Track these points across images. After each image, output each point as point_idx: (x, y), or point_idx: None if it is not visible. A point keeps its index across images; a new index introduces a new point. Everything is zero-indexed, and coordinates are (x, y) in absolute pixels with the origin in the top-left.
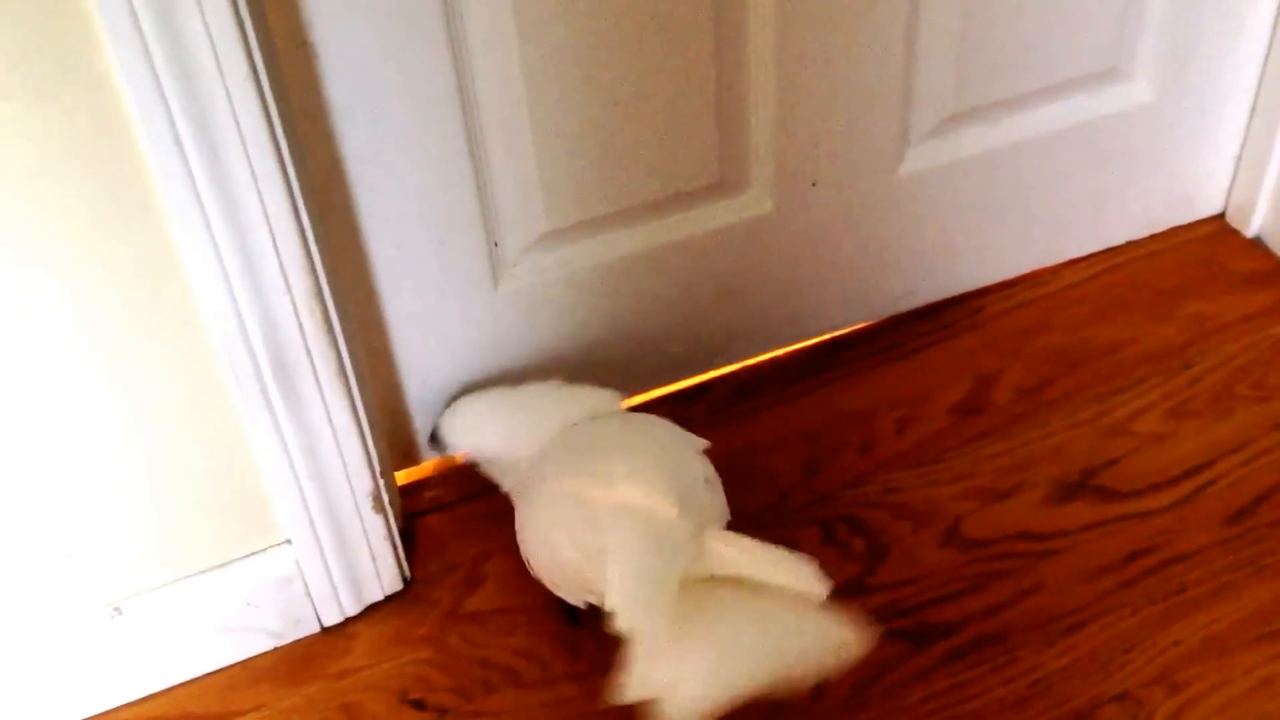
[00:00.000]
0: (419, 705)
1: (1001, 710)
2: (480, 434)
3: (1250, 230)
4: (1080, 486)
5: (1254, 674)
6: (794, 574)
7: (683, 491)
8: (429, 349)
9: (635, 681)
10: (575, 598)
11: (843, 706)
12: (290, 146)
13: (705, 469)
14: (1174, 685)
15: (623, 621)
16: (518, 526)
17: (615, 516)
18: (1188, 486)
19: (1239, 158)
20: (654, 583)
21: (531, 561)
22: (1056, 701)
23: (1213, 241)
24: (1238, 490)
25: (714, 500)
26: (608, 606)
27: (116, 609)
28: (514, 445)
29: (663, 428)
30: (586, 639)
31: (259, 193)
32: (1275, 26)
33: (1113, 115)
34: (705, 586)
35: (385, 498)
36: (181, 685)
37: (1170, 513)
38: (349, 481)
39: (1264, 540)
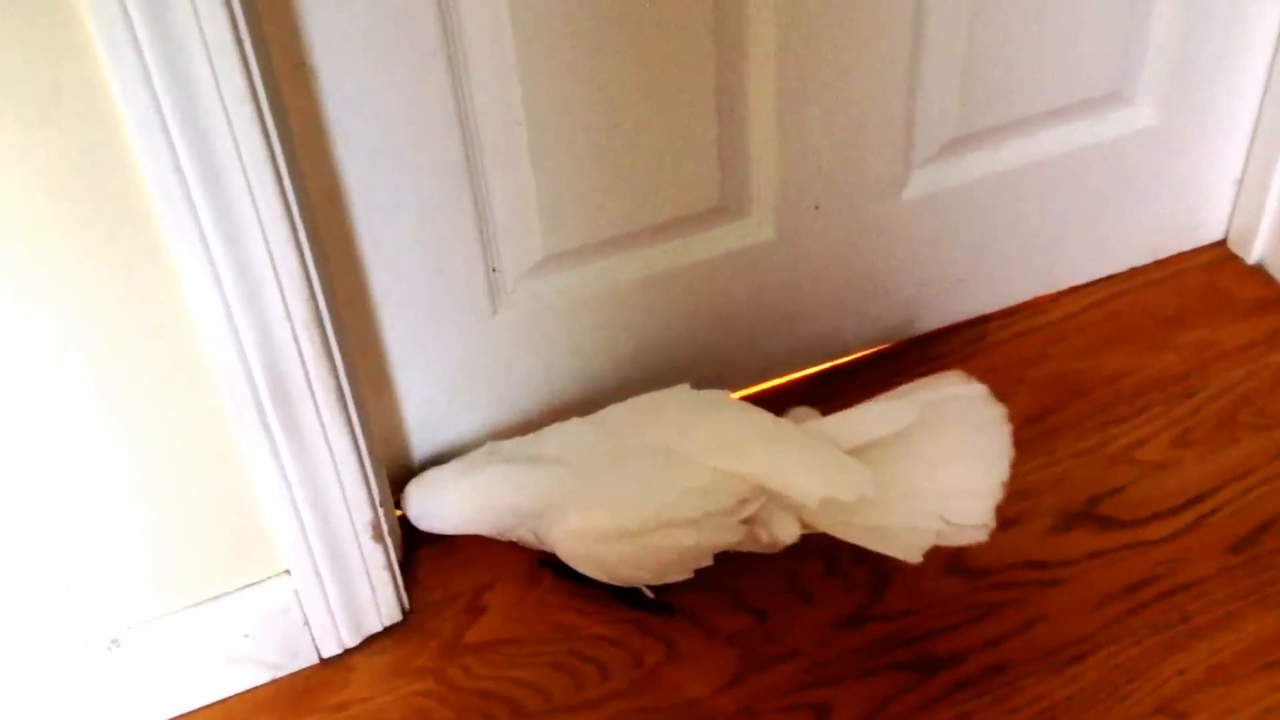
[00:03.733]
0: None
1: None
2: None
3: (1252, 257)
4: (1083, 515)
5: (1258, 704)
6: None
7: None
8: (428, 376)
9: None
10: (632, 578)
11: None
12: (290, 170)
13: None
14: (1178, 715)
15: (844, 493)
16: (561, 534)
17: (759, 437)
18: (1191, 515)
19: (1240, 183)
20: (824, 451)
21: (584, 553)
22: None
23: (1214, 268)
24: (1241, 519)
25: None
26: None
27: (114, 641)
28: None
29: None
30: (589, 669)
31: (259, 218)
32: (1276, 51)
33: (1115, 140)
34: None
35: (384, 527)
36: (180, 718)
37: (1174, 542)
38: (348, 511)
39: (1268, 569)
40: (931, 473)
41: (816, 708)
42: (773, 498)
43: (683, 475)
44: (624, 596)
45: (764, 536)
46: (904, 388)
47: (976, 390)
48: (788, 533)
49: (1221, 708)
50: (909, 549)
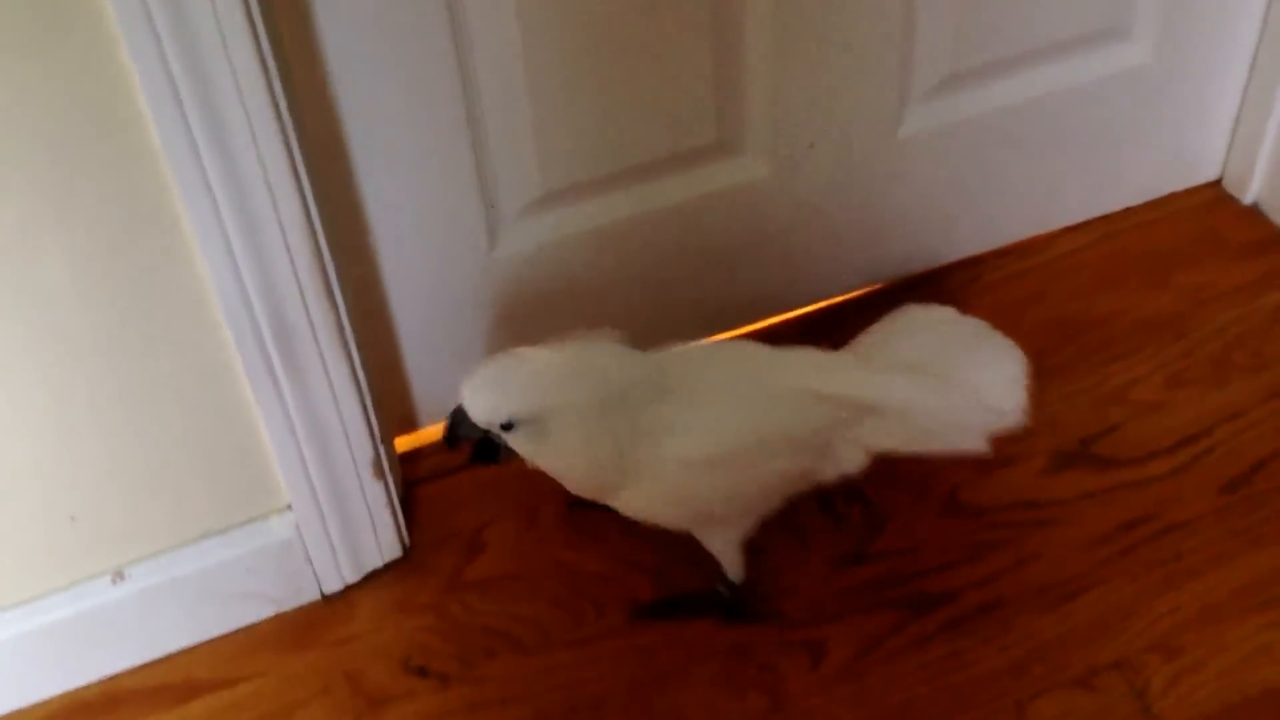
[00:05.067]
0: (421, 672)
1: (999, 678)
2: (540, 392)
3: (1247, 197)
4: (1077, 455)
5: (1250, 641)
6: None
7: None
8: (426, 313)
9: None
10: (702, 516)
11: (841, 674)
12: (289, 103)
13: None
14: (1171, 652)
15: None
16: (665, 457)
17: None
18: (1184, 455)
19: (1236, 123)
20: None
21: (673, 484)
22: (1054, 669)
23: (1209, 209)
24: (1234, 458)
25: None
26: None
27: (118, 574)
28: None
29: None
30: (587, 605)
31: (259, 154)
32: None
33: (1111, 77)
34: None
35: (385, 464)
36: (184, 651)
37: (1167, 481)
38: (349, 446)
39: (1260, 509)
40: (965, 373)
41: (812, 646)
42: (853, 421)
43: (778, 398)
44: (719, 606)
45: (830, 468)
46: (875, 326)
47: (948, 311)
48: (855, 461)
49: (1213, 645)
50: (974, 440)
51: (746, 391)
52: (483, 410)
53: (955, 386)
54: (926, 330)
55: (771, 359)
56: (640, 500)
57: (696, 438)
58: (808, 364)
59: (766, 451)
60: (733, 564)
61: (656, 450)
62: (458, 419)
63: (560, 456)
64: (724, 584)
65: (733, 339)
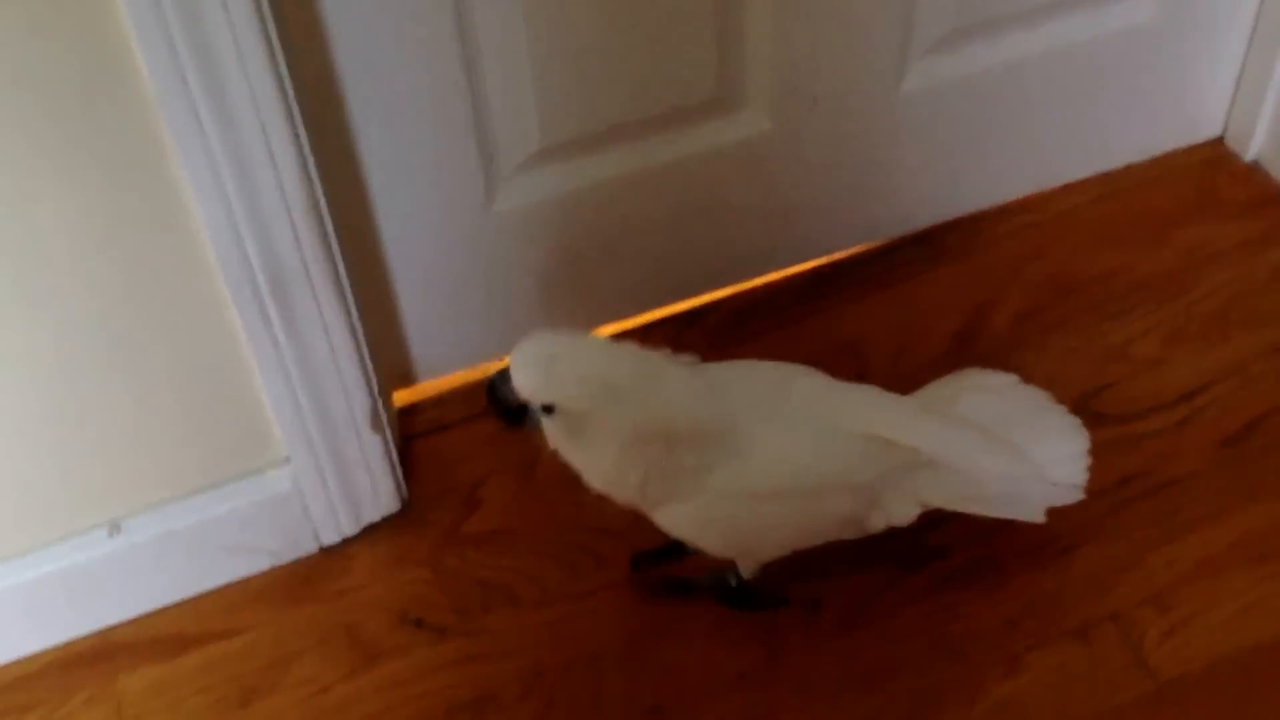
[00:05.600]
0: (419, 624)
1: (994, 631)
2: (590, 391)
3: (1249, 154)
4: (1076, 411)
5: (1245, 596)
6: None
7: None
8: (424, 268)
9: None
10: (755, 549)
11: (836, 628)
12: (286, 55)
13: None
14: (1166, 606)
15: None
16: (724, 481)
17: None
18: (1182, 411)
19: (1239, 80)
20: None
21: (729, 513)
22: (1049, 622)
23: (1210, 166)
24: (1232, 415)
25: None
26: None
27: (115, 526)
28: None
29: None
30: (585, 559)
31: (255, 103)
32: None
33: (1114, 33)
34: None
35: (383, 417)
36: (181, 603)
37: (1165, 437)
38: (347, 399)
39: (1256, 465)
40: (1029, 443)
41: (807, 601)
42: (918, 471)
43: (845, 439)
44: (727, 596)
45: (879, 518)
46: (935, 384)
47: (1011, 379)
48: (906, 514)
49: (1208, 600)
50: (1032, 512)
51: (812, 429)
52: (526, 383)
53: (1022, 455)
54: (989, 393)
55: (839, 395)
56: (679, 520)
57: (758, 470)
58: (875, 406)
59: (825, 492)
60: (749, 569)
61: (706, 479)
62: (500, 379)
63: (585, 458)
64: (734, 576)
65: (796, 366)
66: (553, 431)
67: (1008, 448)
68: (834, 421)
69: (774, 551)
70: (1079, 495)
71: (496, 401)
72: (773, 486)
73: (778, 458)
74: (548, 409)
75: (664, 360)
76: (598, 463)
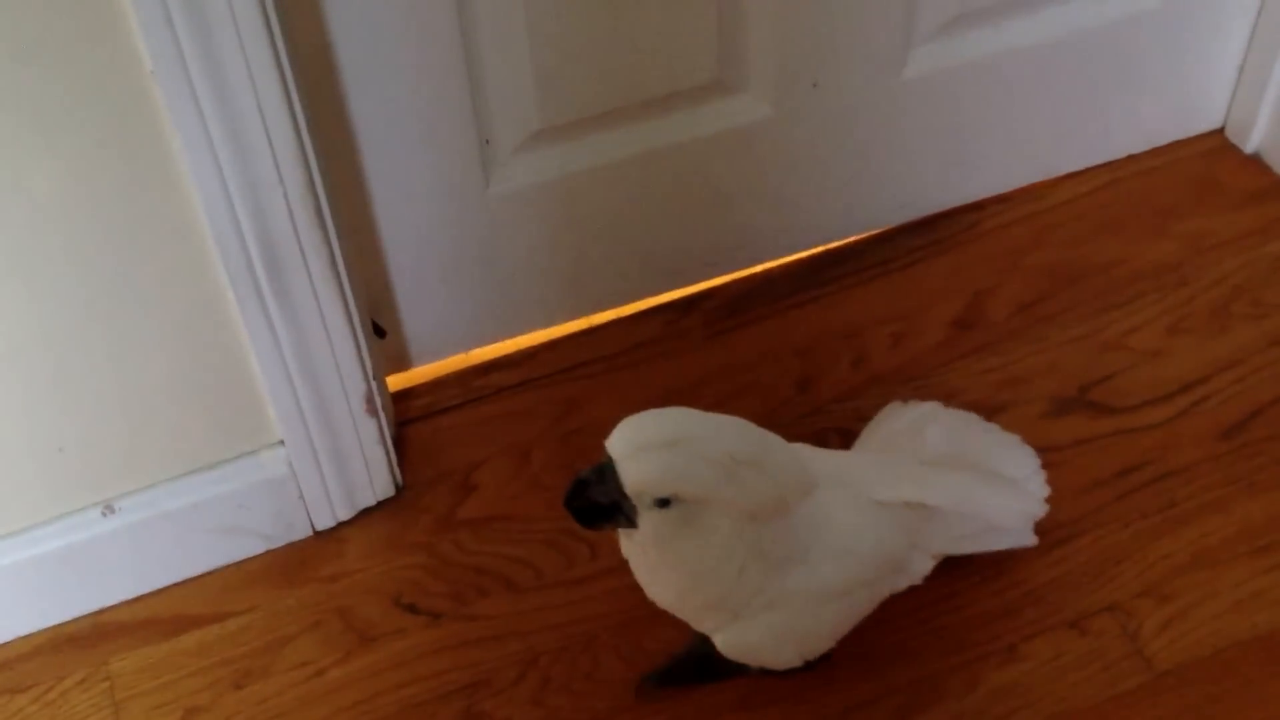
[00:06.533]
0: (412, 609)
1: (991, 620)
2: (716, 475)
3: (1250, 146)
4: (1075, 401)
5: (1243, 587)
6: None
7: None
8: (420, 251)
9: None
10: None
11: None
12: (283, 32)
13: None
14: (1163, 597)
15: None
16: (801, 587)
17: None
18: (1182, 402)
19: (1241, 71)
20: None
21: (797, 620)
22: (1047, 612)
23: (1212, 157)
24: (1231, 406)
25: None
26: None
27: (108, 507)
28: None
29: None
30: (580, 546)
31: (252, 82)
32: None
33: (1117, 22)
34: None
35: (378, 401)
36: (175, 586)
37: (1164, 428)
38: (341, 382)
39: (1256, 456)
40: (997, 466)
41: None
42: (925, 525)
43: (881, 512)
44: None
45: (904, 580)
46: (870, 426)
47: (934, 405)
48: (924, 569)
49: (1206, 590)
50: (1022, 537)
51: (856, 509)
52: (644, 476)
53: (1019, 486)
54: (931, 424)
55: (850, 468)
56: (750, 635)
57: (828, 566)
58: (889, 471)
59: (884, 573)
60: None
61: (783, 580)
62: (597, 477)
63: (688, 555)
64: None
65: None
66: (654, 529)
67: (1004, 482)
68: (872, 495)
69: (828, 645)
70: (1045, 508)
71: (583, 501)
72: (845, 580)
73: (841, 548)
74: (662, 502)
75: (757, 427)
76: (693, 562)
